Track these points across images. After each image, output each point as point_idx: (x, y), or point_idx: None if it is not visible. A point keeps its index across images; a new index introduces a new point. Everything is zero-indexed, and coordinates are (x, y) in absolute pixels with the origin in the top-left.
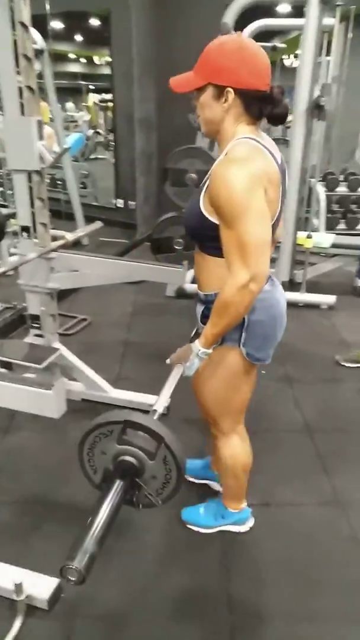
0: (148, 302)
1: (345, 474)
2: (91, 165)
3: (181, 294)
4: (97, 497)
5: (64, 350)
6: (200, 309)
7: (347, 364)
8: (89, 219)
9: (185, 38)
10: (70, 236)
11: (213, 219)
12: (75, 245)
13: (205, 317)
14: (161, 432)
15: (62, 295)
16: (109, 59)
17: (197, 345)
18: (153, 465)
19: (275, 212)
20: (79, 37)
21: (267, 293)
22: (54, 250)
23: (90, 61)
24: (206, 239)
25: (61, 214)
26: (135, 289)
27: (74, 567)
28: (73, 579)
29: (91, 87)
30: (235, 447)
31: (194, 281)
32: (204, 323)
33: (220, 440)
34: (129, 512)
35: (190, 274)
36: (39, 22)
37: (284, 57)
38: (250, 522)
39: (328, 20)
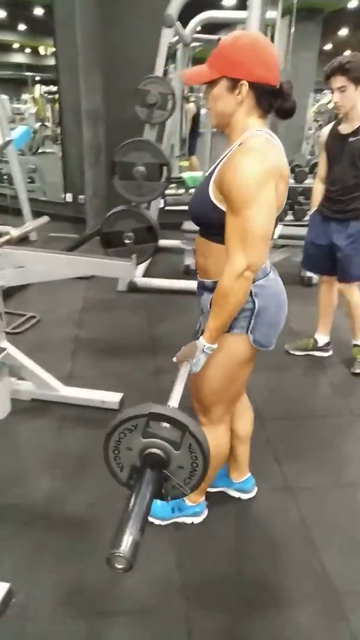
0: (99, 297)
1: (294, 460)
2: (39, 159)
3: (133, 288)
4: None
5: (12, 349)
6: (208, 296)
7: (295, 352)
8: (37, 214)
9: (130, 29)
10: (15, 232)
11: (223, 207)
12: (23, 241)
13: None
14: (185, 421)
15: (9, 292)
16: (54, 50)
17: (202, 341)
18: (179, 455)
19: (282, 204)
20: (22, 27)
21: (272, 281)
22: None
23: (35, 52)
24: (214, 226)
25: (7, 210)
26: (86, 284)
27: (121, 554)
28: (120, 566)
29: (37, 78)
30: (222, 438)
31: (145, 274)
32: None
33: (207, 428)
34: (79, 506)
35: (141, 267)
36: None
37: None
38: (205, 514)
39: (272, 14)
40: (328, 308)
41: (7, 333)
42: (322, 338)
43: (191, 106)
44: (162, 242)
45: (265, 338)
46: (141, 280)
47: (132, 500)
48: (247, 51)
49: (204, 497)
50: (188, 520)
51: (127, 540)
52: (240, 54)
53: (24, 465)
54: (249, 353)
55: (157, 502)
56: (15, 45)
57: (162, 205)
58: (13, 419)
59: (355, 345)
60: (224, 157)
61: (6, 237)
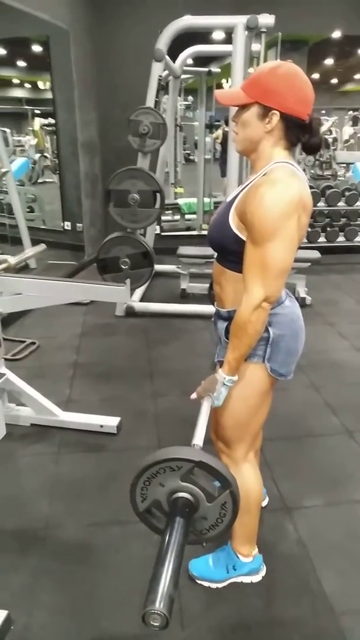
0: (97, 322)
1: (291, 480)
2: (39, 188)
3: (131, 312)
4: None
5: (11, 376)
6: (223, 325)
7: None
8: (36, 242)
9: (122, 64)
10: (12, 259)
11: (243, 235)
12: (24, 269)
13: (229, 333)
14: (230, 480)
15: (9, 319)
16: (51, 85)
17: (222, 374)
18: (209, 507)
19: (303, 236)
20: (22, 63)
21: (287, 308)
22: None
23: (34, 86)
24: (232, 253)
25: (7, 239)
26: (85, 310)
27: (157, 611)
28: (157, 623)
29: (37, 111)
30: (249, 477)
31: (143, 299)
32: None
33: (231, 469)
34: (77, 531)
35: (138, 292)
36: None
37: (222, 81)
38: (263, 571)
39: (258, 46)
40: None
41: (7, 360)
42: None
43: (219, 132)
44: (159, 267)
45: (283, 367)
46: (139, 305)
47: (165, 550)
48: (284, 82)
49: (256, 550)
50: (247, 579)
51: (162, 596)
52: (276, 83)
53: (23, 490)
54: (268, 382)
55: (209, 564)
56: (15, 81)
57: (158, 231)
58: (12, 444)
59: None
60: (247, 186)
61: (4, 265)
